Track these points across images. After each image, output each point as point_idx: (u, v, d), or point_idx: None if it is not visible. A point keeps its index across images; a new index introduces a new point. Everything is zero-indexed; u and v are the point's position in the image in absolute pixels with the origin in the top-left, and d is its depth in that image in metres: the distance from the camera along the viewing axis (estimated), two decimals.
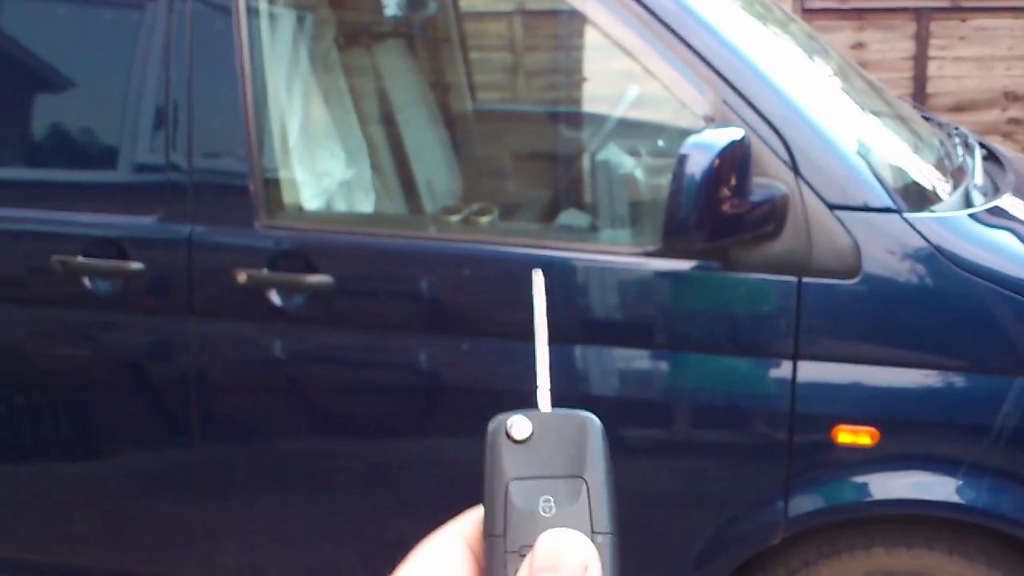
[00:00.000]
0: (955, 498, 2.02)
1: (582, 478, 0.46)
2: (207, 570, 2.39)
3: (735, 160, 1.93)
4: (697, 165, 1.90)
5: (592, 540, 0.45)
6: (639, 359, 2.15)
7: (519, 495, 0.46)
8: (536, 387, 0.48)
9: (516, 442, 0.47)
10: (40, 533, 2.48)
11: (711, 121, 2.05)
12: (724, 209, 1.93)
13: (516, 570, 0.44)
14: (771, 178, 2.00)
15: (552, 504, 0.46)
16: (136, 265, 2.26)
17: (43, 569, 2.50)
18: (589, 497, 0.46)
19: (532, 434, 0.47)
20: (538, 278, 0.50)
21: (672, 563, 2.17)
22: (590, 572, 0.44)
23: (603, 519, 0.45)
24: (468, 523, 0.49)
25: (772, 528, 2.09)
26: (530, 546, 0.45)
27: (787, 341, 2.02)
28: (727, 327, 2.09)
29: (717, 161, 1.90)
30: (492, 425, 0.47)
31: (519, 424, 0.47)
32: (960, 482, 2.02)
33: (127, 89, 2.28)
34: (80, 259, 2.28)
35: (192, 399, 2.30)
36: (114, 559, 2.47)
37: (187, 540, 2.40)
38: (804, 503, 2.06)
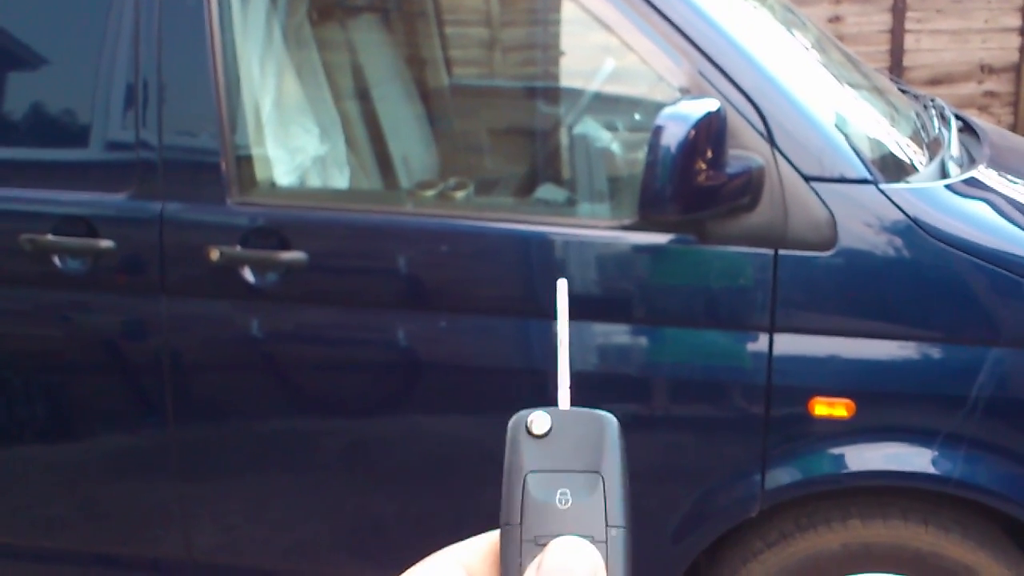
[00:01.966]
0: (930, 469, 2.03)
1: (598, 473, 0.48)
2: (183, 551, 2.37)
3: (711, 131, 1.91)
4: (673, 136, 1.89)
5: (606, 533, 0.46)
6: (617, 333, 2.14)
7: (536, 487, 0.47)
8: (558, 387, 0.50)
9: (535, 437, 0.49)
10: (13, 516, 2.46)
11: (687, 93, 2.04)
12: (700, 181, 1.92)
13: (531, 558, 0.46)
14: (747, 150, 1.99)
15: (568, 496, 0.47)
16: (107, 243, 2.23)
17: (17, 552, 2.47)
18: (605, 491, 0.47)
19: (551, 430, 0.49)
20: (562, 287, 0.52)
21: (650, 537, 2.17)
22: None
23: (617, 513, 0.47)
24: (471, 550, 0.49)
25: (749, 501, 2.10)
26: (545, 536, 0.46)
27: (763, 314, 2.02)
28: (704, 300, 2.09)
29: (693, 132, 1.89)
30: (513, 420, 0.49)
31: (539, 420, 0.49)
32: (935, 453, 2.02)
33: (97, 65, 2.24)
34: (50, 237, 2.25)
35: (166, 378, 2.28)
36: (89, 541, 2.45)
37: (163, 521, 2.38)
38: (781, 476, 2.07)
